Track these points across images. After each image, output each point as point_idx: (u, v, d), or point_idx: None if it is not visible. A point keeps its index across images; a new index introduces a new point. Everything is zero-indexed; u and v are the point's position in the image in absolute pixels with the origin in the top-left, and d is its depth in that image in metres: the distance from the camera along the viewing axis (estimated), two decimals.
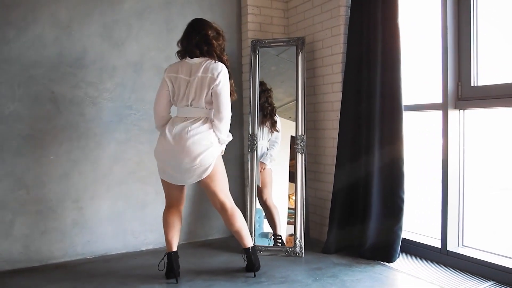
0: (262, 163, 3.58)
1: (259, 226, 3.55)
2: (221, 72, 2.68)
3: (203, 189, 2.87)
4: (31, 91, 3.16)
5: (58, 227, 3.28)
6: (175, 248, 2.86)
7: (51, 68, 3.22)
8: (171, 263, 2.83)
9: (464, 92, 2.92)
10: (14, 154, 3.12)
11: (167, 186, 2.85)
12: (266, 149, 3.61)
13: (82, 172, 3.35)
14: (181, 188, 2.88)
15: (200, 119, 2.69)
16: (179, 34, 2.84)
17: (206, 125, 2.69)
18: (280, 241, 3.46)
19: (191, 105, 2.71)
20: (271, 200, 3.56)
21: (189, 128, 2.64)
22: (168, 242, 2.86)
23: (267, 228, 3.56)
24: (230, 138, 2.81)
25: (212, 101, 2.69)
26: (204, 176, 2.70)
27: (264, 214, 3.57)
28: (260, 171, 3.56)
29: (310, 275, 2.91)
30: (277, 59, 3.70)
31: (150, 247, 3.60)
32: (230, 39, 3.88)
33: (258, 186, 3.55)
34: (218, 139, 2.73)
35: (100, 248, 3.42)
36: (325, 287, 2.69)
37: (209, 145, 2.66)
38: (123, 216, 3.51)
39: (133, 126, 3.52)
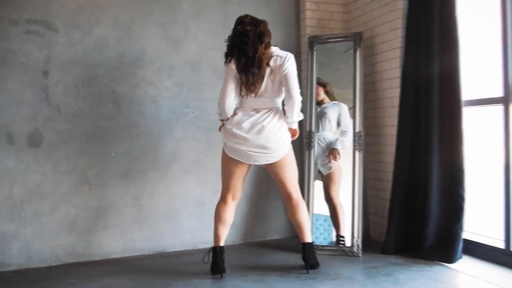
0: (333, 149, 3.48)
1: (328, 235, 3.45)
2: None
3: (273, 180, 2.94)
4: (93, 91, 3.30)
5: (118, 223, 3.39)
6: (222, 244, 2.89)
7: (113, 68, 3.35)
8: (216, 258, 2.84)
9: None
10: (78, 151, 3.26)
11: (230, 175, 2.85)
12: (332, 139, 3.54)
13: (141, 169, 3.43)
14: (243, 177, 2.89)
15: (271, 110, 2.80)
16: None
17: (277, 116, 2.80)
18: (343, 242, 3.35)
19: (262, 96, 2.80)
20: (337, 199, 3.46)
21: (264, 119, 2.75)
22: (217, 237, 2.88)
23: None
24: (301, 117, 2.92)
25: (279, 90, 2.85)
26: (274, 160, 2.79)
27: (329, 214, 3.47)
28: (333, 159, 3.47)
29: (365, 273, 2.91)
30: (345, 56, 3.56)
31: (208, 245, 3.55)
32: (288, 36, 3.90)
33: (325, 182, 3.48)
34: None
35: (159, 245, 3.49)
36: (378, 284, 2.67)
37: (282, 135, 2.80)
38: (181, 214, 3.56)
39: (191, 124, 3.57)
